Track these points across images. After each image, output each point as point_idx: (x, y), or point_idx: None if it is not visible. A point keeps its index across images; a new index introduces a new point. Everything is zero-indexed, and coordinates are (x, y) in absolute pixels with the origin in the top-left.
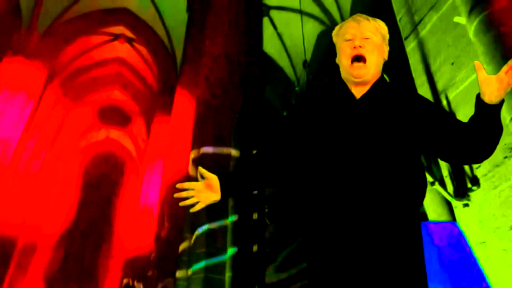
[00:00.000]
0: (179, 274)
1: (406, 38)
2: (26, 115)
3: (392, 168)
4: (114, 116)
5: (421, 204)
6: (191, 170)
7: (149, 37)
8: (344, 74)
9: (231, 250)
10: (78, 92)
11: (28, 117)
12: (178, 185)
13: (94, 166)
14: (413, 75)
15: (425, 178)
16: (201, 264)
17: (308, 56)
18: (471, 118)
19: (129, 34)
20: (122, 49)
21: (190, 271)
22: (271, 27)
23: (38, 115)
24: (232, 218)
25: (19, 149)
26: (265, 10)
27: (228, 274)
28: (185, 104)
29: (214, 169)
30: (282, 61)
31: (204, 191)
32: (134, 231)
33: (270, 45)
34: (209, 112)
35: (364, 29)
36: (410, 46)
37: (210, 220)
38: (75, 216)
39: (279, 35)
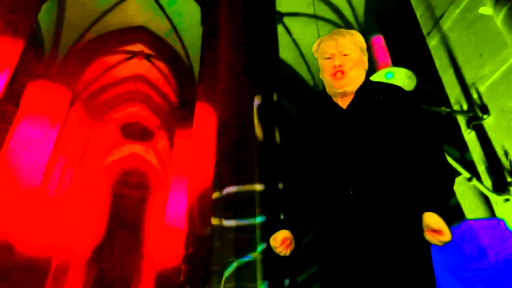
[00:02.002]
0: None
1: (428, 34)
2: (52, 137)
3: (382, 170)
4: (137, 132)
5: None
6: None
7: (167, 53)
8: (328, 88)
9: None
10: (101, 111)
11: (55, 140)
12: (274, 245)
13: (121, 182)
14: (439, 70)
15: (420, 176)
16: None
17: None
18: (421, 188)
19: (147, 50)
20: (141, 66)
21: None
22: (286, 34)
23: (64, 136)
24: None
25: (47, 171)
26: (278, 17)
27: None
28: (205, 116)
29: (240, 205)
30: (299, 67)
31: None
32: (163, 244)
33: (286, 52)
34: (228, 129)
35: (342, 47)
36: (433, 42)
37: (238, 256)
38: (105, 233)
39: (294, 41)
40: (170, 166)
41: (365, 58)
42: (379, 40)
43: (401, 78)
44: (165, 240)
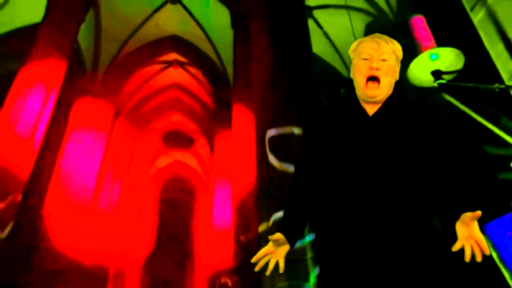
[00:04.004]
0: None
1: (472, 9)
2: (100, 151)
3: (401, 180)
4: (178, 139)
5: (431, 213)
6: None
7: (200, 59)
8: (358, 91)
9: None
10: (143, 121)
11: (103, 153)
12: (254, 260)
13: (167, 190)
14: (487, 46)
15: (436, 189)
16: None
17: None
18: (447, 202)
19: (181, 59)
20: (176, 74)
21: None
22: (316, 28)
23: (111, 149)
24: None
25: (98, 184)
26: (308, 12)
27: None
28: (242, 117)
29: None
30: (332, 60)
31: (276, 248)
32: (212, 247)
33: (317, 45)
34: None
35: (382, 50)
36: (478, 17)
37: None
38: (156, 240)
39: (326, 34)
40: (213, 170)
41: (398, 68)
42: (420, 21)
43: (448, 58)
44: (213, 243)
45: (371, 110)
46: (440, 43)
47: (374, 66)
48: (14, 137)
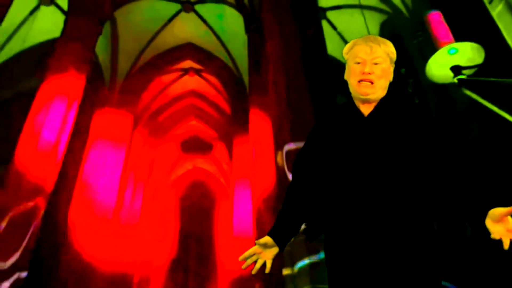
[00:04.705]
0: None
1: (490, 2)
2: (121, 160)
3: (397, 179)
4: (196, 145)
5: (431, 211)
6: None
7: (215, 65)
8: (352, 91)
9: None
10: (161, 130)
11: (123, 162)
12: (241, 258)
13: (187, 196)
14: (507, 38)
15: (434, 187)
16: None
17: None
18: (453, 196)
19: (196, 66)
20: (192, 82)
21: None
22: (331, 29)
23: (131, 157)
24: None
25: (120, 193)
26: (321, 13)
27: None
28: (260, 121)
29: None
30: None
31: (264, 250)
32: (234, 252)
33: (333, 46)
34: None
35: (375, 54)
36: (497, 9)
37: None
38: (178, 246)
39: (340, 35)
40: (232, 175)
41: (392, 70)
42: (437, 16)
43: (467, 53)
44: (235, 247)
45: (366, 110)
46: (459, 37)
47: (367, 71)
48: (38, 149)
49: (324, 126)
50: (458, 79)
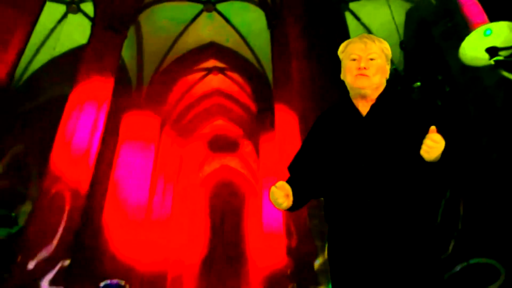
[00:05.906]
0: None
1: None
2: (150, 161)
3: (395, 177)
4: (223, 144)
5: (431, 207)
6: None
7: (239, 63)
8: (349, 88)
9: None
10: (188, 129)
11: (153, 163)
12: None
13: (216, 194)
14: None
15: (435, 183)
16: None
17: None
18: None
19: (220, 65)
20: (217, 80)
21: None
22: (354, 21)
23: (160, 158)
24: None
25: (151, 194)
26: (344, 5)
27: None
28: (285, 117)
29: None
30: None
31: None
32: (265, 249)
33: None
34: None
35: (370, 50)
36: None
37: None
38: (209, 244)
39: (364, 25)
40: (259, 172)
41: (388, 67)
42: None
43: (503, 32)
44: (265, 244)
45: (363, 108)
46: (493, 17)
47: (362, 66)
48: (71, 154)
49: (322, 126)
50: (495, 61)
